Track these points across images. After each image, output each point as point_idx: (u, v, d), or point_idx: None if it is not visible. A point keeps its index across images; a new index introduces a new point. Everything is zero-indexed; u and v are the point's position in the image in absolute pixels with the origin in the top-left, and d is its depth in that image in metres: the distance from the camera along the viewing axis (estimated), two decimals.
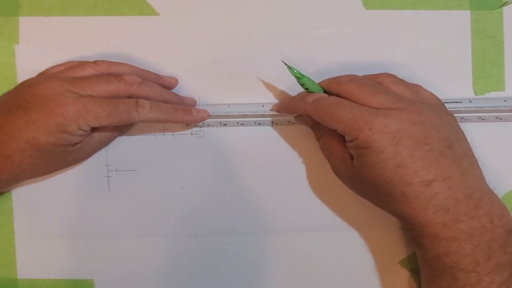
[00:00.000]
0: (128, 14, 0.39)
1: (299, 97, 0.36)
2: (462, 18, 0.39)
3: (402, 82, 0.35)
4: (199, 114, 0.37)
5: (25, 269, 0.40)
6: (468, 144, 0.34)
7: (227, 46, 0.39)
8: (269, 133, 0.40)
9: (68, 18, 0.39)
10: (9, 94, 0.36)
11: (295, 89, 0.39)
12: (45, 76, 0.37)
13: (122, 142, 0.40)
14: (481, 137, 0.39)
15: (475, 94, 0.39)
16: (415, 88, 0.35)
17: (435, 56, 0.39)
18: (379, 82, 0.35)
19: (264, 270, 0.40)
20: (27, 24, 0.39)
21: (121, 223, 0.40)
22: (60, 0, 0.39)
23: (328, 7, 0.39)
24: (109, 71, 0.37)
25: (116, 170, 0.40)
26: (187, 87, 0.39)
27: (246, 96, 0.39)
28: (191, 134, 0.40)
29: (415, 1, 0.39)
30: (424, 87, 0.39)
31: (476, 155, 0.38)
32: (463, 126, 0.38)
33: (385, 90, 0.34)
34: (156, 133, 0.40)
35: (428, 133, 0.32)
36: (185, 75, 0.39)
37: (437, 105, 0.35)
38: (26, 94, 0.34)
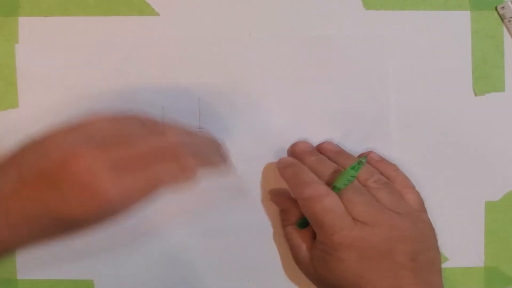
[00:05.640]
0: (128, 14, 0.39)
1: (298, 183, 0.35)
2: (462, 18, 0.39)
3: (385, 186, 0.35)
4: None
5: (25, 269, 0.40)
6: (437, 251, 0.35)
7: (227, 47, 0.39)
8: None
9: (68, 18, 0.39)
10: (28, 151, 0.28)
11: (294, 89, 0.39)
12: (79, 140, 0.28)
13: None
14: (483, 137, 0.39)
15: (475, 94, 0.39)
16: (397, 193, 0.36)
17: (435, 56, 0.39)
18: (363, 181, 0.35)
19: (265, 270, 0.40)
20: (27, 24, 0.39)
21: (123, 223, 0.40)
22: (60, 0, 0.39)
23: (328, 8, 0.39)
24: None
25: None
26: (187, 87, 0.39)
27: (246, 95, 0.39)
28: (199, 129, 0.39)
29: (415, 1, 0.39)
30: (424, 87, 0.39)
31: (477, 155, 0.38)
32: (464, 126, 0.38)
33: (368, 200, 0.34)
34: None
35: (395, 247, 0.33)
36: (185, 75, 0.39)
37: (417, 212, 0.35)
38: (54, 163, 0.27)
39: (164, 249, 0.40)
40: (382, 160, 0.38)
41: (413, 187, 0.37)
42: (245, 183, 0.40)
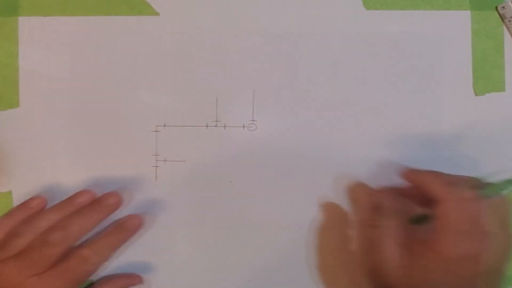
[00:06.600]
0: (128, 14, 0.39)
1: (451, 182, 0.32)
2: (462, 18, 0.39)
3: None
4: (133, 224, 0.38)
5: None
6: None
7: (227, 46, 0.39)
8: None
9: (68, 18, 0.39)
10: None
11: (295, 87, 0.39)
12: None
13: (173, 132, 0.39)
14: (483, 137, 0.39)
15: (476, 94, 0.39)
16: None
17: (435, 57, 0.39)
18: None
19: (264, 270, 0.40)
20: (27, 24, 0.39)
21: (165, 214, 0.40)
22: (60, 0, 0.39)
23: (329, 7, 0.39)
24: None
25: (164, 160, 0.40)
26: (187, 87, 0.39)
27: (246, 95, 0.39)
28: (243, 127, 0.39)
29: (415, 1, 0.39)
30: (424, 88, 0.39)
31: (477, 155, 0.38)
32: (465, 126, 0.38)
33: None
34: (208, 125, 0.39)
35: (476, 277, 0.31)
36: (184, 75, 0.39)
37: None
38: None
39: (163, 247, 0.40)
40: None
41: None
42: (295, 178, 0.39)
